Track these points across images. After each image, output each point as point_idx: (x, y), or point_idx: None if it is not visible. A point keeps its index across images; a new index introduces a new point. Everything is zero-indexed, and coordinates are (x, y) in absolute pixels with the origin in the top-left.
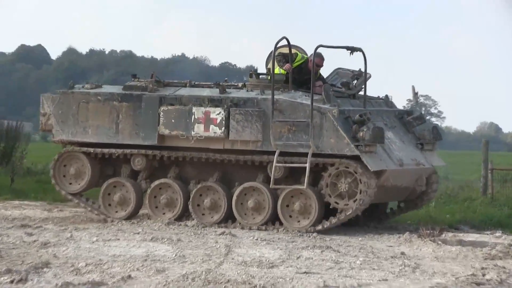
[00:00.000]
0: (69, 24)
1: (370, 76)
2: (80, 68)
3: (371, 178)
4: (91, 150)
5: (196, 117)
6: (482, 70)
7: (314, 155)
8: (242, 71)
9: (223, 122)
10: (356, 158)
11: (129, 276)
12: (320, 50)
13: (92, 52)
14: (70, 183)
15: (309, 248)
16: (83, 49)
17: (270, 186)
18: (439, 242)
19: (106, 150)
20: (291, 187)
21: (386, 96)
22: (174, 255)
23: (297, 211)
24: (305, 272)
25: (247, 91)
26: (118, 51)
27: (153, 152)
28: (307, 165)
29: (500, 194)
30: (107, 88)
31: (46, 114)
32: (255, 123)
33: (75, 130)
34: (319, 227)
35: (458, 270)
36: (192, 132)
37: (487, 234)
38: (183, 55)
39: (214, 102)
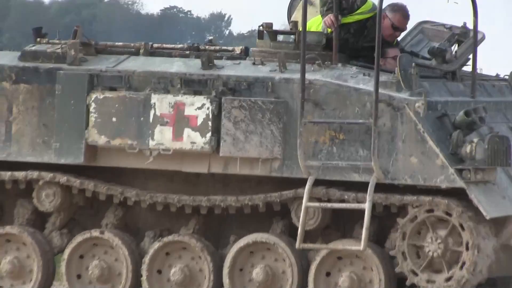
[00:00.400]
0: None
1: (484, 37)
2: None
3: (487, 234)
4: None
5: (158, 113)
6: None
7: (380, 187)
8: (203, 24)
9: (209, 123)
10: (459, 194)
11: None
12: None
13: None
14: None
15: None
16: None
17: (297, 245)
18: None
19: None
20: (336, 247)
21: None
22: None
23: None
24: None
25: (254, 64)
26: None
27: (76, 180)
28: (367, 207)
29: None
30: None
31: None
32: (270, 125)
33: None
34: None
35: None
36: (151, 142)
37: None
38: None
39: (192, 85)
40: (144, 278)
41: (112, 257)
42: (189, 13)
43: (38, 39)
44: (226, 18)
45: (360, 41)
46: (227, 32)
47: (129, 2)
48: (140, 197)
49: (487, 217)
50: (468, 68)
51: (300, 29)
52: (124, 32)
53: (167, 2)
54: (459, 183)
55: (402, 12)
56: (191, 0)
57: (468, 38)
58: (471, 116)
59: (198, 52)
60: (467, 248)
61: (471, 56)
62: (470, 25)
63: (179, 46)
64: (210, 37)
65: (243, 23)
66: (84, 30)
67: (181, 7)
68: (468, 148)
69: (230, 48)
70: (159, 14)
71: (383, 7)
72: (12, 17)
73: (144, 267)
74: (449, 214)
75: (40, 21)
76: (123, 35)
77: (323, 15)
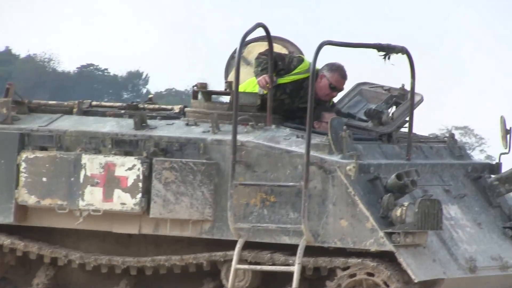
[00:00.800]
0: None
1: (422, 99)
2: None
3: None
4: None
5: (88, 173)
6: None
7: (310, 250)
8: (121, 82)
9: (140, 184)
10: (388, 256)
11: None
12: (327, 50)
13: None
14: None
15: None
16: None
17: None
18: None
19: None
20: None
21: (451, 135)
22: None
23: None
24: None
25: (187, 125)
26: None
27: (6, 239)
28: (296, 269)
29: None
30: None
31: None
32: (201, 187)
33: None
34: None
35: None
36: (81, 203)
37: None
38: (7, 50)
39: (123, 145)
40: None
41: None
42: (105, 71)
43: None
44: (143, 76)
45: (296, 102)
46: (144, 90)
47: (45, 59)
48: (70, 257)
49: (415, 280)
50: (405, 130)
51: (233, 89)
52: (40, 90)
53: (84, 60)
54: (388, 247)
55: (340, 72)
56: (107, 58)
57: (406, 100)
58: (403, 179)
59: (135, 111)
60: None
61: (408, 119)
62: (408, 87)
63: (117, 104)
64: (150, 95)
65: (160, 81)
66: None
67: (97, 65)
68: (398, 212)
69: (169, 107)
70: (76, 71)
71: (320, 67)
72: None
73: None
74: (385, 283)
75: None
76: (39, 93)
77: (257, 76)
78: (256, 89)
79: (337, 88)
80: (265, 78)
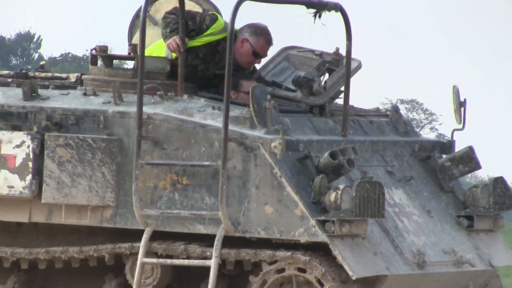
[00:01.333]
0: None
1: (359, 66)
2: None
3: None
4: None
5: None
6: None
7: (230, 241)
8: (9, 46)
9: (30, 164)
10: (322, 249)
11: None
12: (244, 6)
13: None
14: None
15: None
16: None
17: None
18: None
19: None
20: None
21: (395, 108)
22: None
23: None
24: None
25: (85, 94)
26: None
27: None
28: (213, 263)
29: None
30: None
31: None
32: (100, 167)
33: None
34: None
35: None
36: None
37: None
38: None
39: (10, 118)
40: None
41: None
42: None
43: None
44: (35, 39)
45: (211, 68)
46: (36, 55)
47: None
48: None
49: (353, 277)
50: (340, 101)
51: (138, 53)
52: None
53: None
54: (321, 237)
55: (265, 37)
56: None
57: (341, 66)
58: (338, 158)
59: (25, 79)
60: None
61: (343, 88)
62: (344, 51)
63: (4, 72)
64: (42, 62)
65: (55, 45)
66: None
67: None
68: (332, 196)
69: (64, 75)
70: None
71: (239, 27)
72: None
73: None
74: (319, 281)
75: None
76: None
77: (165, 38)
78: (164, 53)
79: (261, 55)
80: (175, 40)
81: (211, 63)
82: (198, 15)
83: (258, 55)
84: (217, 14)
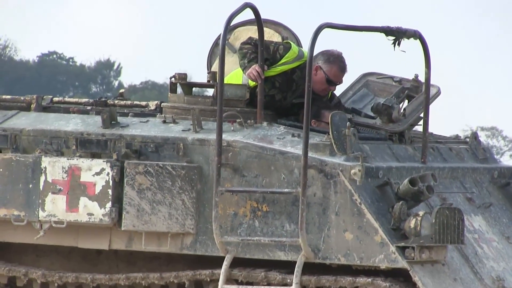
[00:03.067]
0: None
1: (439, 92)
2: None
3: None
4: None
5: (49, 179)
6: None
7: (310, 267)
8: (88, 74)
9: (110, 191)
10: (402, 275)
11: None
12: (324, 33)
13: None
14: None
15: None
16: None
17: None
18: None
19: None
20: None
21: (474, 135)
22: None
23: None
24: None
25: (164, 122)
26: None
27: None
28: None
29: None
30: None
31: None
32: (181, 194)
33: None
34: None
35: None
36: (41, 214)
37: None
38: None
39: (90, 146)
40: None
41: None
42: (71, 60)
43: None
44: (115, 67)
45: (288, 97)
46: (116, 83)
47: (0, 47)
48: (30, 276)
49: None
50: (419, 128)
51: (217, 81)
52: None
53: (46, 47)
54: (401, 263)
55: (339, 64)
56: (73, 45)
57: (420, 93)
58: (417, 185)
59: (105, 107)
60: None
61: (423, 115)
62: (423, 78)
63: (84, 100)
64: (122, 90)
65: (135, 73)
66: None
67: (61, 53)
68: (412, 223)
69: (143, 103)
70: (36, 60)
71: (316, 61)
72: None
73: None
74: None
75: None
76: None
77: (244, 69)
78: (250, 83)
79: (335, 83)
80: (255, 68)
81: (288, 92)
82: (272, 44)
83: (332, 82)
84: (290, 42)
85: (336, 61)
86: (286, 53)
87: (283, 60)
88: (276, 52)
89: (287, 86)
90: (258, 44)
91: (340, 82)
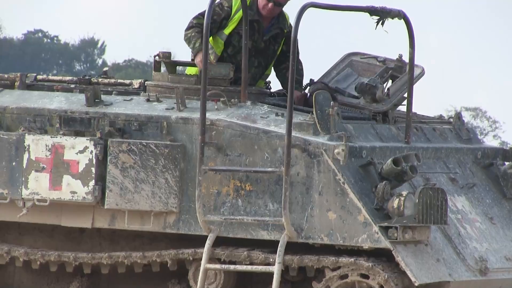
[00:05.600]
0: None
1: (422, 73)
2: None
3: None
4: None
5: (32, 157)
6: None
7: (293, 247)
8: (72, 52)
9: (93, 170)
10: (385, 255)
11: None
12: (311, 13)
13: None
14: None
15: None
16: None
17: None
18: None
19: None
20: None
21: (458, 115)
22: None
23: None
24: None
25: (148, 100)
26: None
27: None
28: (276, 269)
29: None
30: None
31: None
32: (164, 173)
33: None
34: None
35: None
36: (24, 192)
37: None
38: None
39: (73, 124)
40: None
41: None
42: (55, 38)
43: None
44: (99, 45)
45: (259, 39)
46: (100, 61)
47: None
48: (12, 254)
49: (416, 284)
50: (403, 108)
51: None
52: None
53: (30, 25)
54: (384, 243)
55: None
56: (58, 24)
57: (404, 73)
58: (401, 165)
59: (89, 85)
60: None
61: (406, 95)
62: (407, 58)
63: (67, 78)
64: (105, 68)
65: (118, 51)
66: None
67: (47, 31)
68: (395, 203)
69: (127, 81)
70: (21, 39)
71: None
72: None
73: None
74: (368, 278)
75: None
76: None
77: (195, 56)
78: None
79: (277, 2)
80: (199, 60)
81: (254, 35)
82: (217, 6)
83: (276, 2)
84: None
85: None
86: (231, 2)
87: (234, 10)
88: (223, 8)
89: (251, 30)
90: (201, 21)
91: (283, 2)
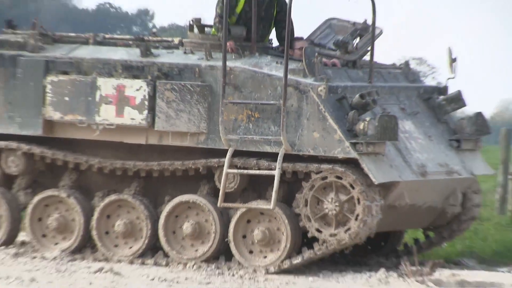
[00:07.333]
0: None
1: (381, 32)
2: None
3: (374, 197)
4: None
5: (103, 93)
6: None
7: (288, 157)
8: (130, 18)
9: (146, 102)
10: (353, 164)
11: None
12: None
13: None
14: None
15: None
16: None
17: (218, 204)
18: (430, 284)
19: None
20: (250, 206)
21: (406, 63)
22: None
23: (258, 241)
24: None
25: (185, 53)
26: None
27: (36, 148)
28: (276, 173)
29: None
30: None
31: None
32: (197, 105)
33: None
34: (287, 264)
35: None
36: (97, 118)
37: (503, 271)
38: None
39: (131, 70)
40: (93, 227)
41: (68, 212)
42: (119, 8)
43: (5, 29)
44: (150, 13)
45: (260, 10)
46: (151, 25)
47: None
48: (90, 163)
49: (375, 183)
50: (367, 58)
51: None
52: (64, 25)
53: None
54: (353, 155)
55: None
56: None
57: (368, 32)
58: (365, 98)
59: (142, 42)
60: (360, 205)
61: (370, 48)
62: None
63: (127, 37)
64: (154, 30)
65: (164, 17)
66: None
67: (112, 3)
68: (361, 125)
69: (170, 39)
70: (94, 9)
71: None
72: None
73: (94, 219)
74: (351, 186)
75: None
76: (63, 27)
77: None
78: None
79: None
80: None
81: (261, 7)
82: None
83: None
84: None
85: None
86: None
87: None
88: None
89: (259, 5)
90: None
91: None
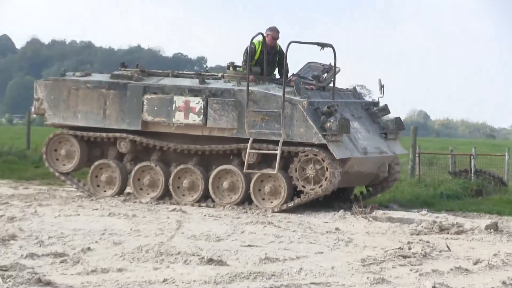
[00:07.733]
0: (32, 15)
1: (339, 70)
2: (43, 57)
3: (336, 166)
4: (81, 133)
5: (177, 105)
6: (414, 60)
7: (285, 143)
8: (193, 62)
9: (202, 110)
10: (324, 147)
11: (89, 248)
12: (292, 45)
13: (54, 42)
14: (64, 164)
15: (252, 223)
16: (45, 39)
17: (244, 171)
18: (370, 219)
19: (94, 134)
20: (263, 171)
21: (354, 88)
22: (129, 229)
23: (267, 193)
24: (248, 245)
25: (225, 82)
26: (78, 42)
27: (137, 137)
28: (278, 152)
29: (426, 176)
30: (96, 77)
31: (39, 99)
32: (231, 112)
33: (66, 115)
34: (284, 207)
35: (387, 244)
36: (173, 119)
37: (414, 212)
38: (138, 45)
39: (193, 92)
40: (170, 183)
41: (155, 175)
42: (186, 56)
43: (120, 68)
44: (204, 59)
45: (268, 57)
46: (205, 65)
47: (157, 49)
48: (169, 146)
49: (337, 158)
50: (331, 85)
51: (246, 65)
52: (154, 65)
53: (178, 49)
54: (324, 141)
55: (275, 29)
56: (191, 46)
57: (331, 70)
58: (330, 109)
59: (200, 75)
60: (327, 171)
61: (333, 79)
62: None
63: (191, 72)
64: (207, 68)
65: (213, 61)
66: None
67: (186, 55)
68: (328, 124)
69: (216, 74)
70: (171, 56)
71: (266, 32)
72: (97, 61)
73: (171, 179)
74: (322, 160)
75: (116, 61)
76: (154, 66)
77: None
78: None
79: (276, 38)
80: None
81: (269, 56)
82: (252, 44)
83: (274, 38)
84: (255, 42)
85: (274, 29)
86: (255, 44)
87: (257, 47)
88: (254, 47)
89: (268, 54)
90: (245, 57)
91: (277, 37)
